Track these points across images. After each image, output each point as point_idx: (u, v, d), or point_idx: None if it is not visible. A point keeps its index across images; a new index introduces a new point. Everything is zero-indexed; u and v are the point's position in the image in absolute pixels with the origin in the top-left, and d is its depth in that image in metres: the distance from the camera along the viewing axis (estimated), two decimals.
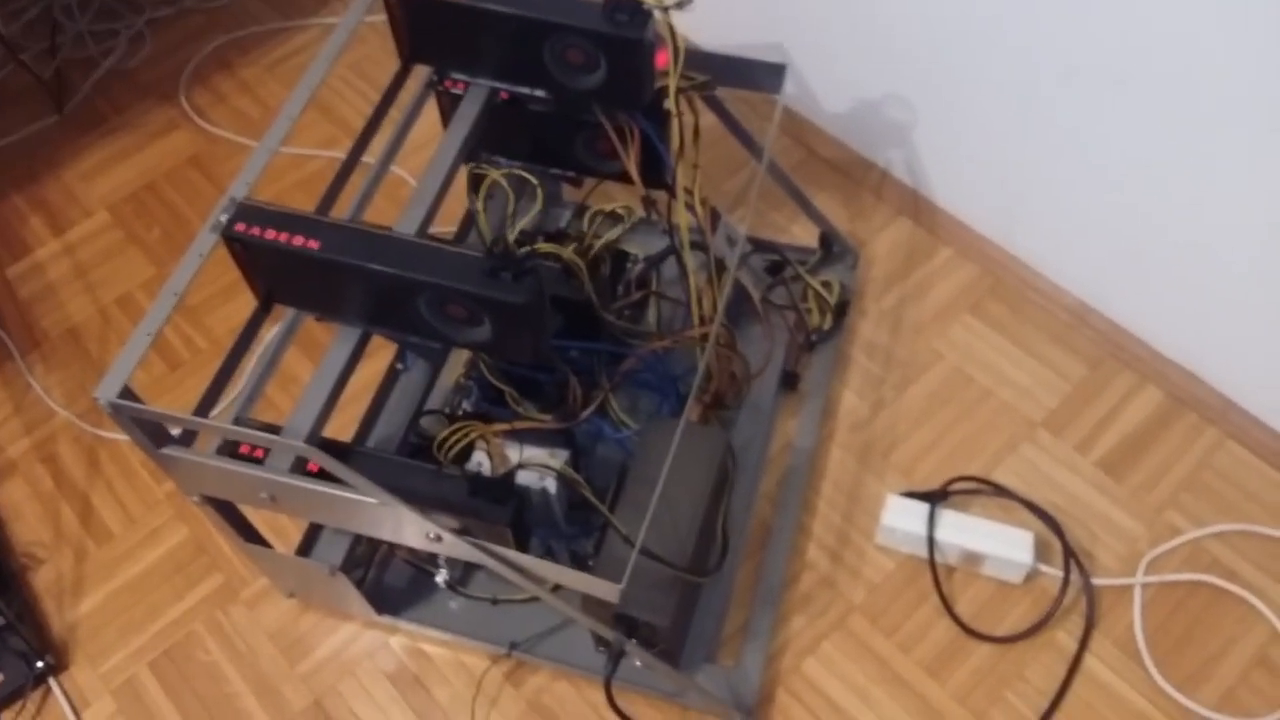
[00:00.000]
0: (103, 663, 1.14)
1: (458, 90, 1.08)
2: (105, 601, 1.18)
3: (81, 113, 1.63)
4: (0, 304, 1.42)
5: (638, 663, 1.03)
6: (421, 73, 1.10)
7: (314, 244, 0.84)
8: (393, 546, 1.11)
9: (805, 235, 1.38)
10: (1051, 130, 1.17)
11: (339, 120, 1.58)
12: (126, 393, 0.80)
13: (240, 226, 0.85)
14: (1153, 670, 1.06)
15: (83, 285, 1.43)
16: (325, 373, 0.89)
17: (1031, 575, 1.11)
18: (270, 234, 0.85)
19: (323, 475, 0.85)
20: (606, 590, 0.83)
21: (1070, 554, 1.11)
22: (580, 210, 1.37)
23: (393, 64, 1.08)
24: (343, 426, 1.12)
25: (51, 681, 1.12)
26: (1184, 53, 0.99)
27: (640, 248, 1.22)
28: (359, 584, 1.06)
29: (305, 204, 1.48)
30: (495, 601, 1.11)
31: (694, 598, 1.09)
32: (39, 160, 1.57)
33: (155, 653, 1.14)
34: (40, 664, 1.11)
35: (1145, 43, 1.01)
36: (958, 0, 1.16)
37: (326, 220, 0.87)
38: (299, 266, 0.86)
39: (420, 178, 0.99)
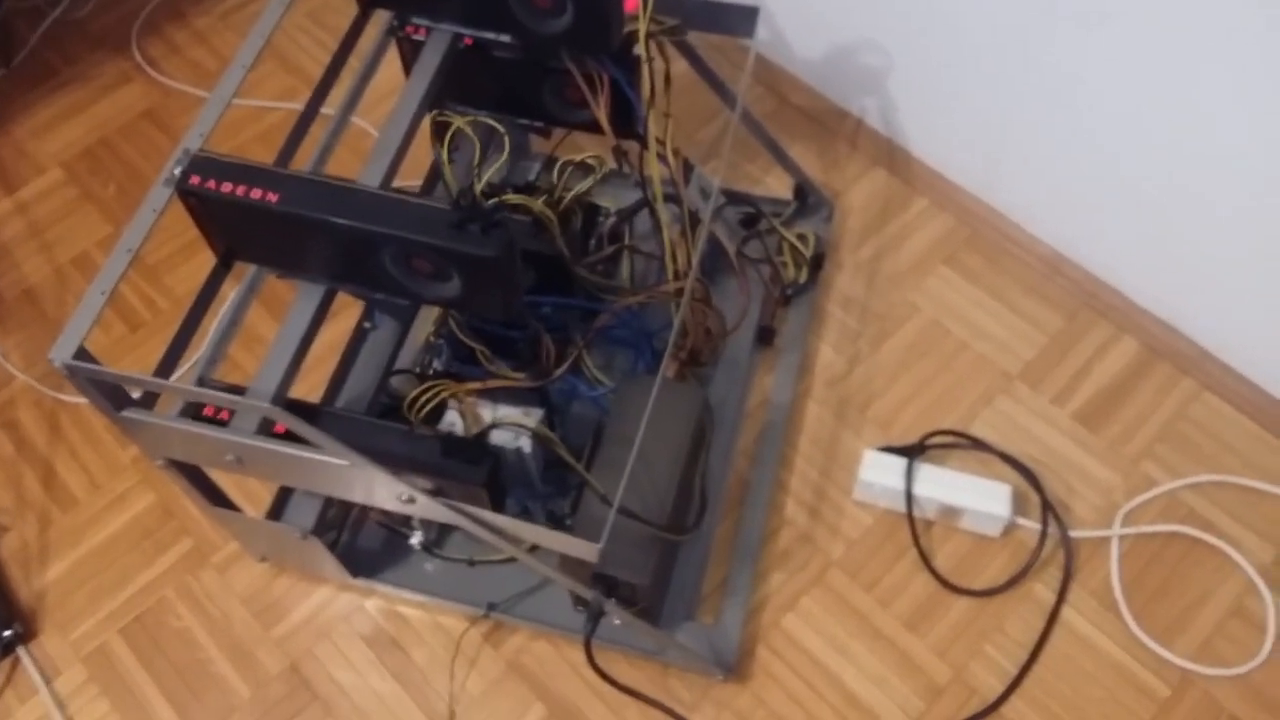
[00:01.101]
0: (72, 630, 1.11)
1: (419, 37, 1.04)
2: (73, 568, 1.15)
3: (30, 66, 1.57)
4: None
5: (617, 621, 1.02)
6: (381, 19, 1.06)
7: (272, 197, 0.81)
8: (365, 509, 1.09)
9: (779, 186, 1.36)
10: (1029, 76, 1.15)
11: (297, 70, 1.53)
12: (82, 353, 0.77)
13: (195, 180, 0.82)
14: (1130, 621, 1.07)
15: (38, 245, 1.39)
16: (289, 332, 0.86)
17: (1009, 528, 1.11)
18: (226, 187, 0.81)
19: (290, 437, 0.83)
20: (585, 550, 0.82)
21: (1047, 507, 1.11)
22: (549, 162, 1.33)
23: (352, 10, 1.03)
24: (311, 388, 1.09)
25: (20, 650, 1.10)
26: None
27: (612, 200, 1.19)
28: (332, 547, 1.04)
29: (265, 158, 1.43)
30: (472, 563, 1.10)
31: (673, 555, 1.08)
32: None
33: (126, 619, 1.12)
34: (8, 633, 1.09)
35: None
36: None
37: (285, 172, 0.83)
38: (258, 221, 0.83)
39: (382, 128, 0.96)
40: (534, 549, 0.90)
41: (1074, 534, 1.11)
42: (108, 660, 1.10)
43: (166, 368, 0.86)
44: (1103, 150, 1.14)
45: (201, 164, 0.82)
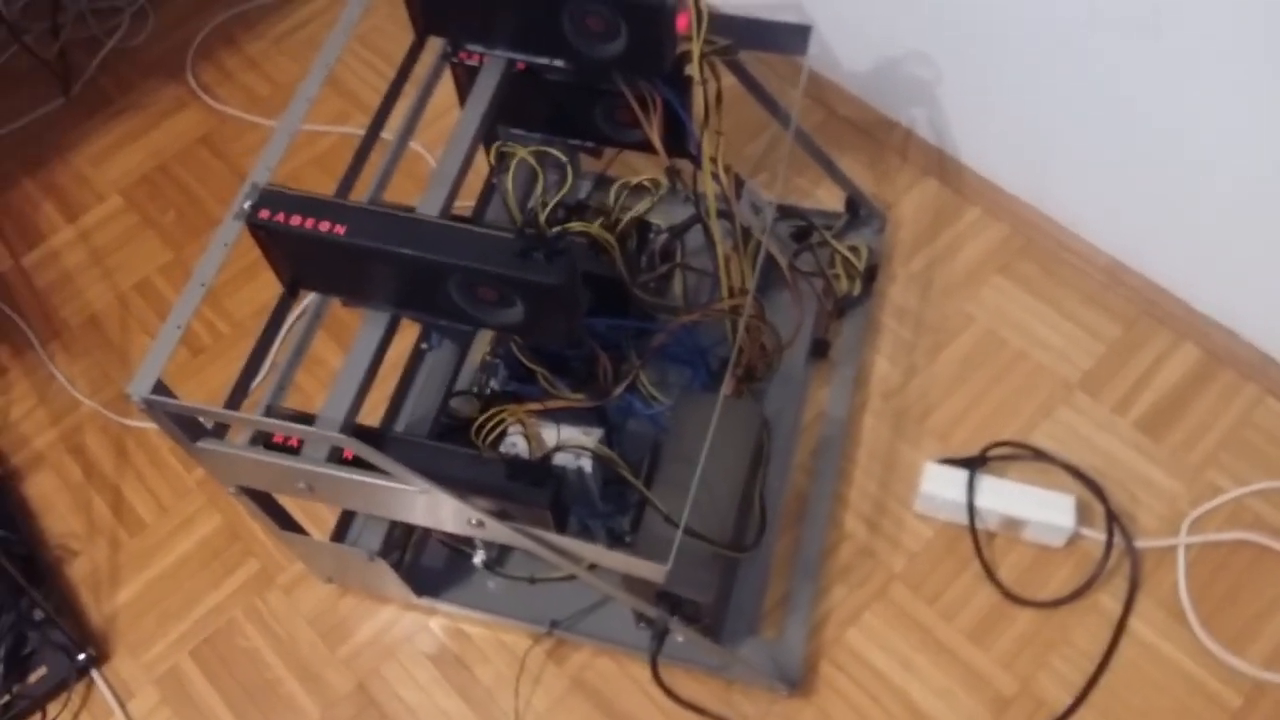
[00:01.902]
0: (144, 652, 1.14)
1: (473, 62, 1.06)
2: (143, 591, 1.17)
3: (88, 94, 1.60)
4: (18, 293, 1.41)
5: (680, 638, 1.03)
6: (435, 45, 1.07)
7: (340, 229, 0.82)
8: (428, 529, 1.11)
9: (830, 199, 1.35)
10: (1081, 82, 1.14)
11: (349, 95, 1.55)
12: (160, 388, 0.79)
13: (264, 213, 0.83)
14: (1199, 631, 1.05)
15: (100, 272, 1.42)
16: (356, 359, 0.88)
17: (1073, 539, 1.10)
18: (295, 220, 0.83)
19: (359, 463, 0.84)
20: (652, 571, 0.83)
21: (1112, 516, 1.10)
22: (600, 181, 1.34)
23: (402, 34, 1.05)
24: (371, 407, 1.10)
25: (94, 673, 1.13)
26: None
27: (662, 217, 1.20)
28: (396, 566, 1.06)
29: (320, 181, 1.47)
30: (533, 580, 1.10)
31: (734, 572, 1.08)
32: (47, 144, 1.55)
33: (196, 641, 1.14)
34: (82, 656, 1.12)
35: None
36: None
37: (351, 204, 0.85)
38: (325, 252, 0.84)
39: (440, 156, 0.97)
40: (595, 566, 0.90)
41: (1139, 544, 1.10)
42: (179, 682, 1.12)
43: (236, 396, 0.88)
44: (1156, 156, 1.12)
45: (270, 198, 0.84)
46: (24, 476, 1.26)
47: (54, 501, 1.24)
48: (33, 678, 1.12)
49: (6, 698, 1.10)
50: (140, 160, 1.52)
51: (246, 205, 0.84)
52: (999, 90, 1.23)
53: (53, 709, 1.11)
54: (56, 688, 1.11)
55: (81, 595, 1.18)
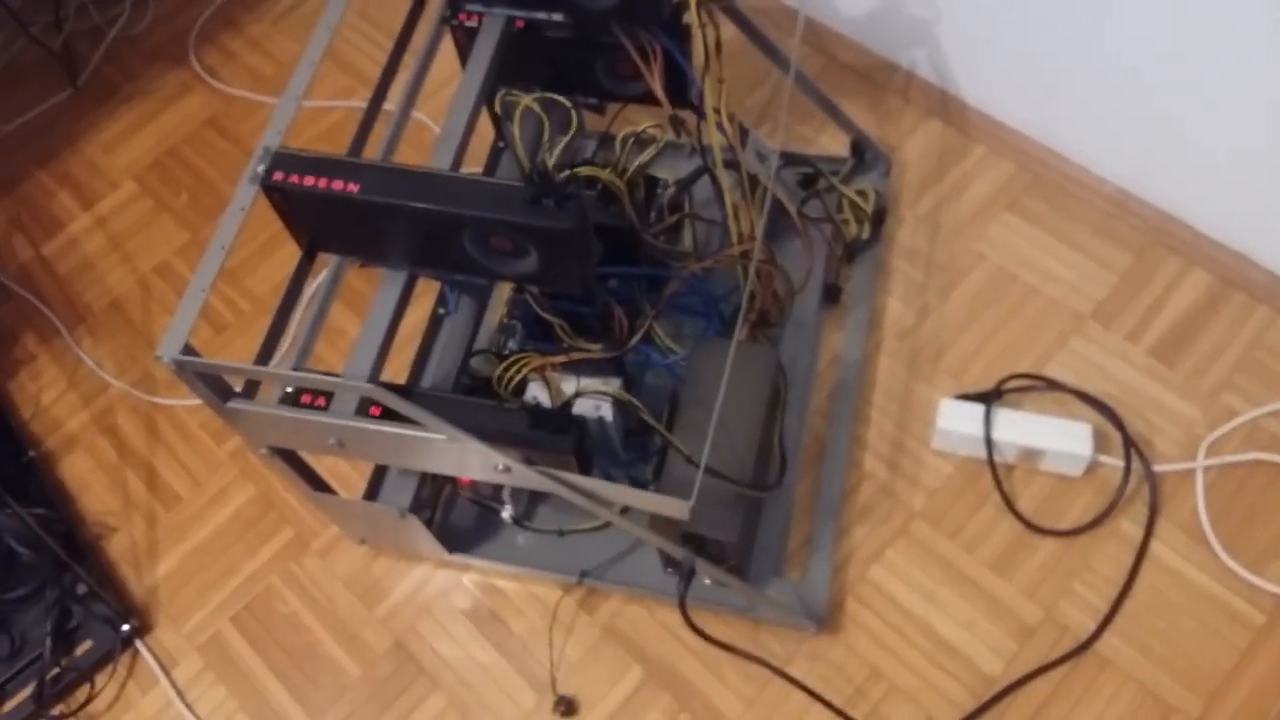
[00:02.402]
0: (186, 622, 1.17)
1: (472, 23, 1.07)
2: (181, 563, 1.20)
3: (94, 84, 1.62)
4: (41, 282, 1.43)
5: (707, 581, 1.05)
6: (433, 11, 1.08)
7: (354, 187, 0.84)
8: (456, 487, 1.13)
9: (835, 145, 1.36)
10: (1078, 10, 1.13)
11: (352, 69, 1.56)
12: (189, 349, 0.81)
13: (279, 175, 0.85)
14: (1220, 552, 1.06)
15: (119, 257, 1.44)
16: (377, 317, 0.90)
17: (1091, 467, 1.11)
18: (309, 180, 0.84)
19: (387, 417, 0.86)
20: (676, 508, 0.84)
21: (1129, 443, 1.11)
22: (605, 139, 1.35)
23: (402, 5, 1.06)
24: (392, 375, 1.12)
25: (139, 643, 1.16)
26: None
27: (668, 171, 1.21)
28: (427, 524, 1.08)
29: None
30: (561, 533, 1.13)
31: (757, 514, 1.10)
32: (58, 135, 1.57)
33: (236, 608, 1.17)
34: (126, 627, 1.15)
35: None
36: None
37: (364, 162, 0.86)
38: (341, 211, 0.86)
39: (445, 117, 0.98)
40: (624, 512, 0.92)
41: (1158, 468, 1.11)
42: (221, 648, 1.15)
43: (262, 360, 0.90)
44: (1157, 82, 1.12)
45: (284, 160, 0.85)
46: (59, 459, 1.29)
47: (89, 481, 1.27)
48: (79, 650, 1.15)
49: (55, 670, 1.13)
50: (150, 145, 1.54)
51: (260, 169, 0.85)
52: (998, 25, 1.23)
53: (100, 680, 1.14)
54: (103, 659, 1.14)
55: (122, 570, 1.21)
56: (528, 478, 0.86)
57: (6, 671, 1.13)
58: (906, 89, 1.41)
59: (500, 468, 0.86)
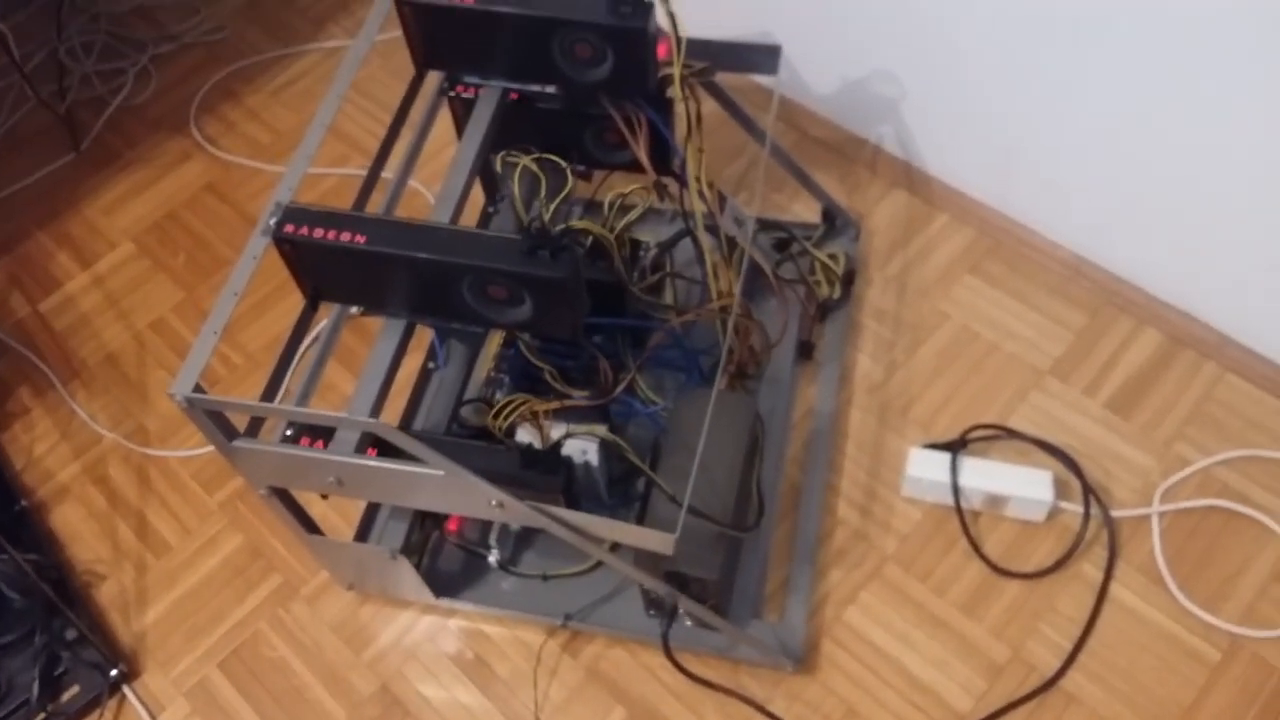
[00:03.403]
0: (173, 668, 1.18)
1: (469, 95, 1.14)
2: (170, 610, 1.22)
3: (96, 149, 1.68)
4: (37, 338, 1.47)
5: (689, 623, 1.08)
6: (430, 85, 1.15)
7: (361, 238, 0.90)
8: (443, 533, 1.16)
9: (807, 212, 1.44)
10: (1035, 86, 1.23)
11: (346, 138, 1.63)
12: (199, 389, 0.85)
13: (290, 228, 0.91)
14: (1176, 592, 1.12)
15: (115, 314, 1.48)
16: (376, 362, 0.95)
17: (1053, 513, 1.17)
18: (319, 232, 0.90)
19: (383, 456, 0.90)
20: (660, 542, 0.89)
21: (1088, 489, 1.17)
22: (590, 204, 1.43)
23: (395, 83, 1.13)
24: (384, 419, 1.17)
25: (126, 689, 1.17)
26: None
27: (650, 234, 1.28)
28: (414, 568, 1.11)
29: None
30: (546, 578, 1.16)
31: (736, 556, 1.14)
32: (60, 198, 1.62)
33: (223, 654, 1.18)
34: (114, 673, 1.16)
35: None
36: None
37: (370, 216, 0.92)
38: (347, 261, 0.92)
39: (444, 179, 1.04)
40: (613, 549, 0.96)
41: (1116, 514, 1.17)
42: (209, 693, 1.16)
43: (267, 398, 0.94)
44: (1113, 153, 1.21)
45: (294, 213, 0.91)
46: (50, 508, 1.31)
47: (80, 530, 1.29)
48: (66, 696, 1.16)
49: (42, 715, 1.14)
50: (150, 209, 1.59)
51: (272, 221, 0.91)
52: (959, 101, 1.33)
53: None
54: (90, 704, 1.15)
55: (111, 616, 1.22)
56: (521, 513, 0.90)
57: None
58: (874, 161, 1.50)
59: (494, 503, 0.90)
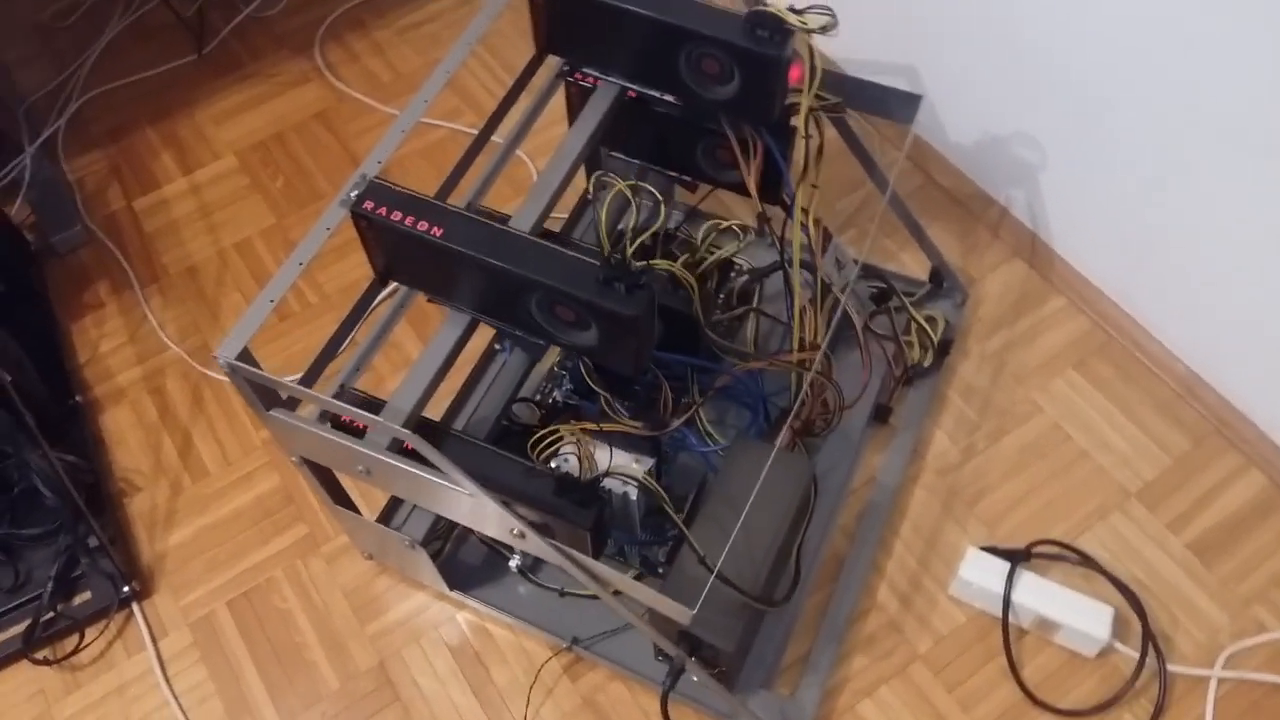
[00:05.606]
0: (185, 595, 1.19)
1: (587, 84, 1.09)
2: (194, 536, 1.22)
3: (219, 55, 1.68)
4: (126, 235, 1.48)
5: (695, 678, 1.04)
6: (553, 62, 1.10)
7: (437, 231, 0.86)
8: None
9: (915, 265, 1.36)
10: (1183, 187, 1.12)
11: (464, 93, 1.60)
12: (245, 355, 0.83)
13: (369, 205, 0.87)
14: None
15: (205, 226, 1.48)
16: (431, 355, 0.91)
17: (1105, 651, 1.08)
18: (396, 216, 0.86)
19: (418, 455, 0.87)
20: (677, 612, 0.84)
21: (1149, 636, 1.08)
22: (691, 213, 1.37)
23: (522, 41, 1.09)
24: (438, 399, 1.14)
25: (135, 607, 1.18)
26: None
27: (746, 258, 1.22)
28: (435, 556, 1.09)
29: (424, 172, 1.51)
30: (563, 594, 1.13)
31: (758, 622, 1.08)
32: (174, 97, 1.63)
33: (234, 593, 1.18)
34: (126, 589, 1.17)
35: None
36: (1107, 48, 1.12)
37: (451, 208, 0.88)
38: (420, 250, 0.88)
39: (543, 169, 1.00)
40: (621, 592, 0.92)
41: (1172, 668, 1.08)
42: (212, 629, 1.16)
43: (315, 369, 0.92)
44: (1252, 276, 1.11)
45: (376, 191, 0.88)
46: (103, 408, 1.32)
47: (126, 436, 1.30)
48: (77, 600, 1.17)
49: (50, 614, 1.15)
50: (259, 126, 1.59)
51: (353, 194, 0.87)
52: (1103, 186, 1.23)
53: (90, 633, 1.16)
54: (97, 614, 1.16)
55: (136, 530, 1.23)
56: (540, 548, 0.86)
57: (6, 603, 1.16)
58: (998, 224, 1.40)
59: (515, 532, 0.86)
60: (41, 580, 1.16)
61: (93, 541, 1.18)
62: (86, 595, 1.17)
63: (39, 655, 1.15)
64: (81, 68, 1.65)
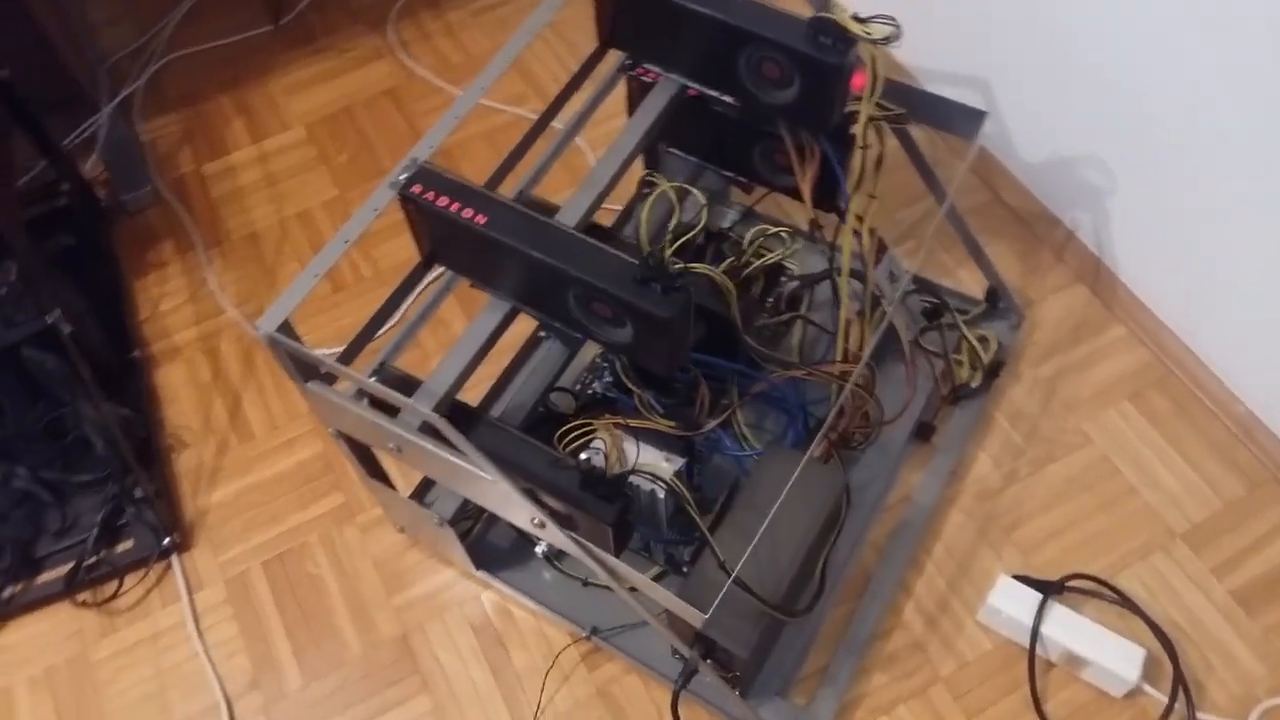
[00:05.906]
0: (223, 552, 1.22)
1: (648, 79, 1.08)
2: (236, 496, 1.26)
3: (295, 27, 1.71)
4: (194, 197, 1.52)
5: (709, 679, 1.03)
6: (615, 55, 1.10)
7: (481, 219, 0.86)
8: None
9: (971, 283, 1.33)
10: (1261, 233, 1.08)
11: (530, 77, 1.60)
12: (286, 327, 0.85)
13: (416, 189, 0.88)
14: None
15: (270, 194, 1.51)
16: (469, 340, 0.92)
17: (1133, 693, 1.05)
18: (443, 201, 0.87)
19: (441, 442, 0.88)
20: (691, 615, 0.84)
21: (1181, 682, 1.05)
22: (747, 214, 1.36)
23: (592, 30, 1.08)
24: (478, 380, 1.15)
25: (174, 559, 1.21)
26: None
27: (797, 263, 1.20)
28: (464, 535, 1.10)
29: (484, 155, 1.52)
30: (586, 583, 1.13)
31: (778, 632, 1.08)
32: (249, 66, 1.66)
33: (270, 554, 1.21)
34: (167, 540, 1.20)
35: None
36: (1188, 91, 1.08)
37: (497, 197, 0.89)
38: (464, 236, 0.89)
39: (598, 161, 1.00)
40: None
41: (1202, 716, 1.04)
42: (246, 587, 1.20)
43: (359, 343, 0.93)
44: None
45: (425, 176, 0.88)
46: (159, 364, 1.36)
47: (179, 394, 1.34)
48: (120, 548, 1.21)
49: (93, 559, 1.19)
50: (329, 99, 1.61)
51: (402, 178, 0.88)
52: (1172, 216, 1.19)
53: (130, 581, 1.20)
54: (138, 562, 1.20)
55: (181, 485, 1.27)
56: (560, 540, 0.86)
57: (52, 545, 1.20)
58: (1063, 247, 1.36)
59: (536, 521, 0.87)
60: (87, 526, 1.20)
61: (139, 492, 1.22)
62: (129, 544, 1.21)
63: (80, 598, 1.19)
64: (163, 31, 1.69)
